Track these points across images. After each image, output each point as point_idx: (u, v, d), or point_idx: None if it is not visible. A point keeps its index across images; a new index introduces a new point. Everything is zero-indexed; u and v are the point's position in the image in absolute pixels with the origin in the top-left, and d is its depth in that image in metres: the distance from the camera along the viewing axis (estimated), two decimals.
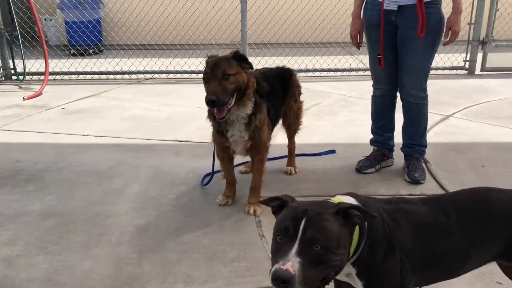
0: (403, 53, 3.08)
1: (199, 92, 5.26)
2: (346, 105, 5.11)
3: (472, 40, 6.36)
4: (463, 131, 4.27)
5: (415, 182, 3.21)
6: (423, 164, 3.32)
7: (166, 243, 2.55)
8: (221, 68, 2.51)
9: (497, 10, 6.26)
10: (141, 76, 6.41)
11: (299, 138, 3.52)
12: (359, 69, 6.44)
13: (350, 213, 1.42)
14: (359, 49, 3.30)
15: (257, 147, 2.80)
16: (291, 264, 1.30)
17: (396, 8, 2.97)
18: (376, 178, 3.36)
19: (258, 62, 6.57)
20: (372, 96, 3.41)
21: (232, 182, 2.98)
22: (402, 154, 3.42)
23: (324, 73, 6.53)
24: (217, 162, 3.06)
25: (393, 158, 3.51)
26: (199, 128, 4.36)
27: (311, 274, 1.32)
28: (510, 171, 3.43)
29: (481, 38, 6.33)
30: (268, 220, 2.77)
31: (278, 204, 1.53)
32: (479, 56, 6.43)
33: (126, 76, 6.37)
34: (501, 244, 1.63)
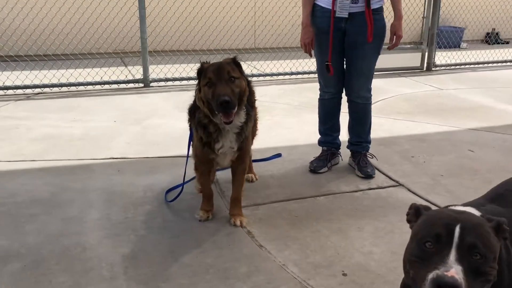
0: (352, 57, 3.28)
1: (102, 104, 4.96)
2: (265, 110, 5.21)
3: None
4: (379, 127, 4.67)
5: (368, 176, 3.44)
6: (370, 159, 3.58)
7: (168, 269, 2.36)
8: (226, 70, 2.42)
9: None
10: (29, 90, 5.73)
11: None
12: (260, 75, 6.62)
13: (503, 228, 1.36)
14: (311, 56, 3.41)
15: (242, 157, 2.74)
16: (455, 271, 1.23)
17: (347, 16, 3.16)
18: (331, 176, 3.52)
19: (160, 70, 6.40)
20: (320, 99, 3.57)
21: (210, 196, 2.87)
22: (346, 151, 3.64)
23: None
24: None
25: (341, 156, 3.71)
26: (128, 143, 4.11)
27: (473, 285, 1.24)
28: (436, 159, 3.87)
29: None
30: (258, 230, 2.74)
31: (413, 212, 1.50)
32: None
33: (10, 91, 5.65)
34: None
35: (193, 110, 2.72)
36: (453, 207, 1.52)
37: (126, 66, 7.14)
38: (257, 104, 3.12)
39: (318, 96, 3.59)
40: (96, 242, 2.58)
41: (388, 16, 3.32)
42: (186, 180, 3.20)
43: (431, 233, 1.34)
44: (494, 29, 10.22)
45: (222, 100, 2.33)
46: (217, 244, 2.59)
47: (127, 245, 2.56)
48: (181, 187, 3.03)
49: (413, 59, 7.50)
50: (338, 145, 3.65)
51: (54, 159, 3.74)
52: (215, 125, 2.54)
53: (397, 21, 3.26)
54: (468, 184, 3.41)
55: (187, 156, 2.95)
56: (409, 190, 3.31)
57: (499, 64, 7.93)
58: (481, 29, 10.22)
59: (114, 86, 6.05)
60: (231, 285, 2.24)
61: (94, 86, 5.98)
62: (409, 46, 7.67)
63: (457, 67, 7.70)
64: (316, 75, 3.62)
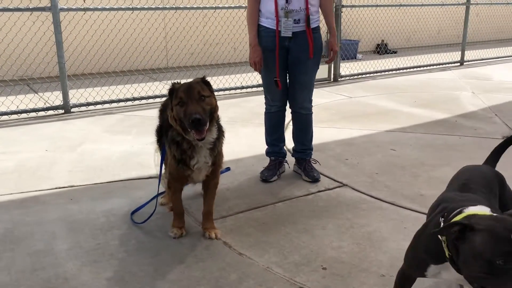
0: (296, 73, 3.57)
1: (25, 134, 4.78)
2: None
3: None
4: None
5: (315, 180, 3.74)
6: (314, 165, 3.88)
7: (160, 286, 2.41)
8: (196, 90, 2.53)
9: None
10: None
11: None
12: None
13: None
14: (260, 73, 3.64)
15: (215, 172, 2.86)
16: None
17: (291, 35, 3.45)
18: (282, 183, 3.76)
19: (81, 95, 6.24)
20: (267, 113, 3.80)
21: (182, 213, 2.95)
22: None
23: (158, 99, 6.62)
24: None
25: (288, 164, 3.97)
26: (69, 171, 4.01)
27: None
28: (367, 160, 4.29)
29: None
30: (232, 240, 2.88)
31: (459, 229, 1.50)
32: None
33: None
34: None
35: (163, 129, 2.80)
36: (478, 211, 1.57)
37: (36, 92, 6.83)
38: None
39: (264, 110, 3.82)
40: (76, 271, 2.54)
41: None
42: (149, 200, 3.25)
43: (503, 250, 1.39)
44: (383, 40, 11.33)
45: (193, 118, 2.44)
46: (199, 257, 2.68)
47: (109, 269, 2.56)
48: (153, 209, 3.06)
49: (320, 71, 8.06)
50: (284, 154, 3.90)
51: None
52: (188, 142, 2.65)
53: (333, 38, 3.61)
54: (400, 179, 3.84)
55: (160, 175, 3.00)
56: (353, 188, 3.66)
57: (394, 72, 8.84)
58: (372, 41, 11.28)
59: (32, 114, 5.77)
60: (307, 271, 2.36)
61: (9, 116, 5.66)
62: None
63: (359, 76, 8.44)
64: (236, 92, 3.83)
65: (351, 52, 10.17)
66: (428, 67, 9.40)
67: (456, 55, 9.90)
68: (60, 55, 5.74)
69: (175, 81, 2.71)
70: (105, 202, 3.41)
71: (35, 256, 2.69)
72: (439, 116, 5.85)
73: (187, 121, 2.48)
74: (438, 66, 9.55)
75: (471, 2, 9.70)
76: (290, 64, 3.56)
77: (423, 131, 5.20)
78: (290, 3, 3.39)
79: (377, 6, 8.66)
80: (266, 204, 3.37)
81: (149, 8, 6.44)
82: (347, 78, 8.30)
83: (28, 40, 6.62)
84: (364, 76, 8.49)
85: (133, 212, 3.16)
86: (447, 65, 9.62)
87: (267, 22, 3.48)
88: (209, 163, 2.73)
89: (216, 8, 6.95)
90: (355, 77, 8.35)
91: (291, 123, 3.98)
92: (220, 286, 2.41)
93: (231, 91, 7.03)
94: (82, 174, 3.94)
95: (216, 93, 7.19)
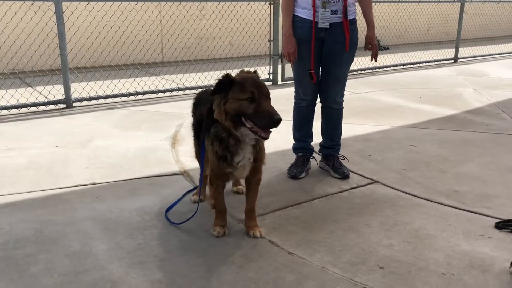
0: (331, 65, 3.47)
1: (30, 129, 4.59)
2: None
3: (273, 55, 7.27)
4: None
5: (345, 177, 3.66)
6: (342, 161, 3.80)
7: None
8: (265, 87, 2.42)
9: None
10: None
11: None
12: (179, 89, 6.57)
13: None
14: (294, 65, 3.52)
15: (258, 168, 2.75)
16: None
17: (328, 26, 3.35)
18: (311, 180, 3.67)
19: (83, 89, 6.03)
20: (297, 107, 3.70)
21: (224, 211, 2.83)
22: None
23: (161, 94, 6.44)
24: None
25: (316, 160, 3.88)
26: (87, 168, 3.84)
27: None
28: (390, 156, 4.23)
29: (279, 53, 7.29)
30: (278, 238, 2.77)
31: None
32: (280, 68, 7.40)
33: None
34: None
35: (204, 125, 2.66)
36: None
37: (32, 87, 6.56)
38: None
39: (294, 104, 3.72)
40: (122, 273, 2.40)
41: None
42: (179, 198, 3.14)
43: None
44: (376, 37, 11.31)
45: (276, 119, 2.33)
46: (249, 257, 2.57)
47: (157, 271, 2.42)
48: (186, 207, 2.93)
49: None
50: (312, 150, 3.81)
51: (12, 193, 3.34)
52: (235, 138, 2.53)
53: (371, 32, 3.52)
54: (429, 175, 3.80)
55: (201, 173, 2.86)
56: (385, 185, 3.59)
57: (392, 68, 8.85)
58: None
59: (33, 109, 5.53)
60: (364, 271, 2.26)
61: (9, 110, 5.41)
62: None
63: (359, 72, 8.41)
64: None
65: None
66: (425, 64, 9.45)
67: (449, 52, 9.98)
68: (62, 47, 5.52)
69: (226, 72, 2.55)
70: (133, 200, 3.26)
71: (74, 257, 2.53)
72: (447, 112, 5.85)
73: (264, 119, 2.35)
74: (433, 63, 9.60)
75: (466, 0, 9.78)
76: (325, 57, 3.46)
77: (436, 127, 5.18)
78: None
79: (376, 1, 8.63)
80: (302, 202, 3.28)
81: (146, 0, 6.19)
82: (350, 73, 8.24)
83: (30, 31, 6.35)
84: (363, 72, 8.47)
85: (166, 211, 3.02)
86: (441, 62, 9.69)
87: (303, 12, 3.37)
88: (251, 160, 2.61)
89: (213, 0, 6.78)
90: (355, 73, 8.32)
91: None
92: (280, 287, 2.30)
93: None
94: (102, 171, 3.76)
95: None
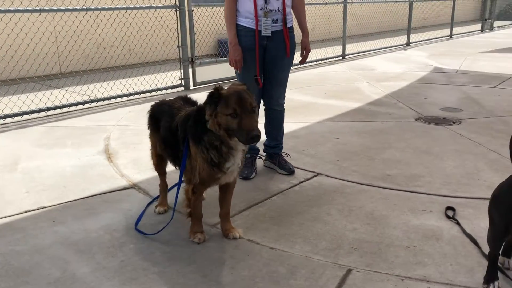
0: (274, 70, 3.69)
1: None
2: (136, 134, 5.14)
3: (183, 60, 7.32)
4: None
5: (291, 172, 3.91)
6: (285, 158, 4.06)
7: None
8: (248, 101, 2.48)
9: (195, 34, 7.43)
10: None
11: (150, 172, 3.72)
12: (86, 102, 6.37)
13: None
14: (240, 72, 3.66)
15: (237, 174, 2.87)
16: None
17: (270, 34, 3.56)
18: (263, 179, 3.87)
19: None
20: None
21: (201, 217, 2.90)
22: None
23: (73, 108, 6.14)
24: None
25: (262, 158, 4.08)
26: (28, 192, 3.65)
27: None
28: (321, 150, 4.58)
29: (189, 58, 7.37)
30: (255, 236, 2.92)
31: None
32: (191, 72, 7.47)
33: None
34: None
35: (196, 134, 2.68)
36: None
37: None
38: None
39: None
40: None
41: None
42: (143, 209, 3.16)
43: None
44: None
45: (253, 135, 2.42)
46: (237, 258, 2.69)
47: (155, 284, 2.44)
48: (171, 218, 2.94)
49: (230, 70, 8.21)
50: (258, 150, 4.01)
51: None
52: (227, 146, 2.62)
53: (306, 38, 3.79)
54: (360, 163, 4.21)
55: (179, 181, 2.89)
56: (328, 176, 3.92)
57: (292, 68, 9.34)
58: None
59: None
60: (291, 285, 2.43)
61: None
62: (226, 58, 8.33)
63: None
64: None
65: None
66: (319, 62, 10.14)
67: (336, 50, 10.82)
68: None
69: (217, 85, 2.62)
70: (94, 219, 3.17)
71: (60, 284, 2.44)
72: (354, 105, 6.42)
73: (243, 135, 2.44)
74: (326, 61, 10.35)
75: (348, 1, 10.69)
76: (268, 63, 3.67)
77: (349, 120, 5.69)
78: (268, 3, 3.50)
79: None
80: (262, 200, 3.46)
81: (35, 10, 5.81)
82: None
83: None
84: None
85: (136, 225, 3.01)
86: (332, 59, 10.48)
87: (246, 21, 3.54)
88: (240, 165, 2.74)
89: (120, 9, 6.65)
90: None
91: None
92: (277, 280, 2.47)
93: (141, 94, 6.85)
94: (46, 194, 3.58)
95: (125, 98, 6.93)
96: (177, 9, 7.07)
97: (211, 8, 8.40)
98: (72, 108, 6.13)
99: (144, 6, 6.84)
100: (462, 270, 2.54)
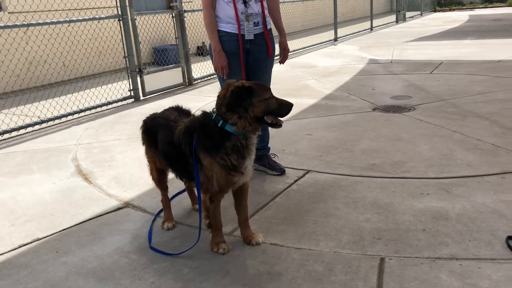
0: (258, 72, 3.70)
1: None
2: (104, 151, 4.91)
3: (131, 70, 7.09)
4: None
5: (283, 172, 3.95)
6: (273, 158, 4.08)
7: None
8: None
9: (140, 43, 7.21)
10: None
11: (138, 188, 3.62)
12: (50, 119, 6.00)
13: None
14: (226, 78, 3.61)
15: (252, 172, 2.85)
16: None
17: (253, 37, 3.56)
18: (257, 182, 3.83)
19: None
20: None
21: (221, 227, 2.85)
22: None
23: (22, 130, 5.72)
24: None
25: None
26: (12, 225, 3.41)
27: None
28: (299, 147, 4.65)
29: (137, 69, 7.15)
30: (276, 239, 2.92)
31: None
32: (139, 83, 7.25)
33: None
34: None
35: (215, 144, 2.61)
36: None
37: None
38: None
39: None
40: None
41: None
42: (150, 226, 3.07)
43: None
44: (203, 42, 11.80)
45: (292, 104, 2.66)
46: (269, 262, 2.67)
47: None
48: (197, 238, 2.83)
49: (175, 76, 8.09)
50: None
51: None
52: (250, 141, 2.64)
53: (284, 38, 3.83)
54: (342, 156, 4.33)
55: (199, 197, 2.79)
56: (319, 172, 3.99)
57: None
58: (193, 43, 11.65)
59: None
60: (333, 282, 2.45)
61: None
62: (172, 65, 8.18)
63: (210, 77, 8.73)
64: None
65: (175, 56, 10.24)
66: None
67: None
68: None
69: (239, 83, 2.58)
70: (101, 244, 3.00)
71: None
72: (309, 101, 6.57)
73: (286, 108, 2.62)
74: None
75: (280, 1, 10.87)
76: (251, 65, 3.67)
77: (313, 116, 5.83)
78: (248, 7, 3.50)
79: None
80: (266, 203, 3.46)
81: None
82: (199, 80, 8.51)
83: None
84: (214, 76, 8.81)
85: (150, 246, 2.89)
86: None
87: (228, 27, 3.52)
88: (252, 163, 2.73)
89: (63, 22, 6.31)
90: (206, 78, 8.61)
91: None
92: (318, 278, 2.49)
93: (92, 110, 6.56)
94: (35, 224, 3.33)
95: (76, 115, 6.59)
96: (120, 18, 6.82)
97: (152, 15, 8.19)
98: (22, 131, 5.72)
99: (87, 18, 6.53)
100: (481, 244, 2.71)
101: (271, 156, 4.06)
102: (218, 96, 2.61)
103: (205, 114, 2.67)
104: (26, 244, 3.05)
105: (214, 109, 2.63)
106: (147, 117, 3.16)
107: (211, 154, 2.59)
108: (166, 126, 2.91)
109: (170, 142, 2.82)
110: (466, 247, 2.69)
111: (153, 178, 3.21)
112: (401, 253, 2.67)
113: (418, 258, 2.62)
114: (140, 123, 3.17)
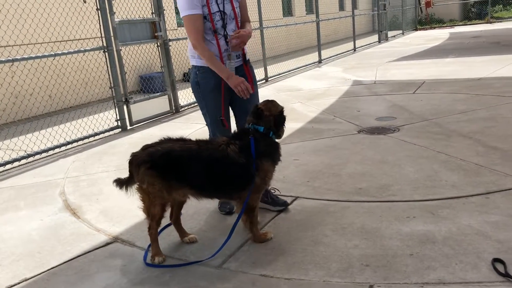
0: (242, 102, 3.74)
1: None
2: (92, 184, 4.91)
3: (117, 101, 7.12)
4: None
5: (287, 205, 3.86)
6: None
7: None
8: None
9: (126, 73, 7.27)
10: None
11: (126, 221, 3.53)
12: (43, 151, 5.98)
13: None
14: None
15: None
16: None
17: (234, 70, 3.63)
18: None
19: None
20: None
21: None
22: None
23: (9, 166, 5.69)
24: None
25: None
26: (0, 265, 3.33)
27: None
28: (286, 172, 4.69)
29: (123, 98, 7.18)
30: (265, 271, 2.93)
31: None
32: (126, 112, 7.28)
33: None
34: None
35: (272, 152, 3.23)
36: None
37: None
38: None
39: None
40: None
41: None
42: (145, 253, 3.03)
43: None
44: (189, 68, 11.88)
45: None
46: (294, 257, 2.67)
47: None
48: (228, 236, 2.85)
49: (162, 104, 8.13)
50: None
51: None
52: None
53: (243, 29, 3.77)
54: (329, 181, 4.37)
55: (241, 212, 2.85)
56: (307, 198, 4.03)
57: None
58: (179, 70, 11.75)
59: None
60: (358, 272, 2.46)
61: None
62: (159, 93, 8.23)
63: (196, 104, 8.78)
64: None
65: (161, 83, 10.30)
66: None
67: (259, 73, 11.10)
68: None
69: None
70: (91, 282, 2.98)
71: None
72: (296, 125, 6.64)
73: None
74: None
75: (264, 27, 11.06)
76: (236, 98, 3.71)
77: (299, 140, 5.89)
78: (229, 44, 3.59)
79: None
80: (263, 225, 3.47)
81: None
82: (186, 108, 8.56)
83: None
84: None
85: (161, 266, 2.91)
86: (258, 82, 10.72)
87: None
88: None
89: (48, 56, 6.35)
90: (193, 105, 8.67)
91: None
92: (349, 267, 2.50)
93: (79, 142, 6.56)
94: (22, 264, 3.30)
95: (63, 148, 6.59)
96: (105, 50, 6.88)
97: (137, 45, 8.27)
98: (8, 166, 5.69)
99: (72, 50, 6.58)
100: (468, 267, 2.75)
101: (272, 191, 4.04)
102: (265, 115, 3.25)
103: (254, 130, 3.20)
104: (14, 285, 3.02)
105: (251, 124, 3.22)
106: (150, 153, 3.02)
107: (271, 160, 3.20)
108: (195, 156, 3.00)
109: (218, 164, 3.03)
110: (453, 271, 2.72)
111: (153, 215, 3.09)
112: (390, 279, 2.70)
113: (406, 284, 2.65)
114: (128, 154, 3.15)
